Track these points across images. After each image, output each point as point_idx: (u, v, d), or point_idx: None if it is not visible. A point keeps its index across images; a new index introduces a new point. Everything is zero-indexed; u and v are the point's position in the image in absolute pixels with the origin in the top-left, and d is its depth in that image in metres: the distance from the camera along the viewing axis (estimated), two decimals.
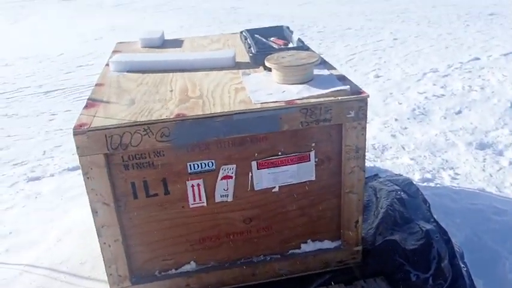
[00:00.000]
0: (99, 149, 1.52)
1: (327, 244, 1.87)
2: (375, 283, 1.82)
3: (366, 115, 1.65)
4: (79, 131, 1.49)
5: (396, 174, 2.70)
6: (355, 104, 1.62)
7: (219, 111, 1.56)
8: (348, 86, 1.66)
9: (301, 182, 1.74)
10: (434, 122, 3.63)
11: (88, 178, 1.56)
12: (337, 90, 1.64)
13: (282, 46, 2.14)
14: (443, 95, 4.15)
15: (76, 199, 2.85)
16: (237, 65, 2.05)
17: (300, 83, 1.74)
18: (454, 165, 3.00)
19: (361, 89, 1.67)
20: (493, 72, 4.65)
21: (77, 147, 1.51)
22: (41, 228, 2.53)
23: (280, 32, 2.36)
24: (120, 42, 2.61)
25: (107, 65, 2.15)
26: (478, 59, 5.17)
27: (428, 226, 2.06)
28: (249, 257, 1.83)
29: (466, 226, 2.25)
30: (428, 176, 2.86)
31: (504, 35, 6.16)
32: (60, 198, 2.88)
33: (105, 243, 1.66)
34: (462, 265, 1.84)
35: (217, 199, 1.71)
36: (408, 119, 3.71)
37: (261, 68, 1.97)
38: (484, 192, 2.63)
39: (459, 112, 3.79)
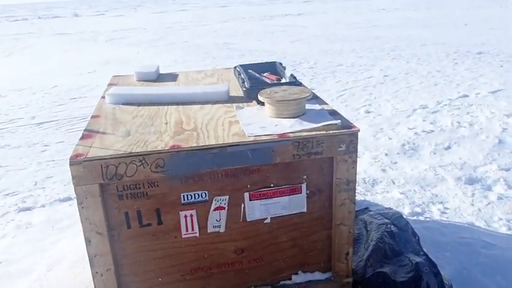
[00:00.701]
0: (94, 179, 1.55)
1: (317, 275, 1.88)
2: None
3: (357, 148, 1.69)
4: (75, 161, 1.52)
5: (386, 208, 2.73)
6: (346, 138, 1.67)
7: (213, 143, 1.60)
8: (339, 120, 1.71)
9: (293, 214, 1.77)
10: (423, 157, 3.70)
11: (83, 208, 1.58)
12: (329, 124, 1.69)
13: (275, 81, 2.21)
14: (432, 131, 4.23)
15: (67, 229, 2.85)
16: (230, 99, 2.10)
17: (293, 117, 1.79)
18: (444, 199, 3.04)
19: (351, 123, 1.72)
20: (482, 109, 4.76)
21: (73, 177, 1.54)
22: (31, 258, 2.52)
23: (273, 67, 2.43)
24: (116, 76, 2.67)
25: (103, 97, 2.20)
26: (466, 96, 5.30)
27: (417, 259, 2.08)
28: None
29: (455, 259, 2.27)
30: (418, 210, 2.89)
31: (491, 73, 6.32)
32: (51, 228, 2.87)
33: (97, 272, 1.66)
34: None
35: (210, 229, 1.73)
36: (398, 154, 3.77)
37: (254, 102, 2.03)
38: (473, 227, 2.66)
39: (448, 148, 3.86)
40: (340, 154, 1.69)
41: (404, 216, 2.50)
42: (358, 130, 1.68)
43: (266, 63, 2.49)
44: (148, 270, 1.74)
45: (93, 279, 1.67)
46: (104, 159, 1.54)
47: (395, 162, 3.61)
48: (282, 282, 1.86)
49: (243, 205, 1.72)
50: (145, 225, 1.68)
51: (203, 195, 1.68)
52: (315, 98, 2.02)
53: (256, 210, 1.74)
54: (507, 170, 3.39)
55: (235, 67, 2.47)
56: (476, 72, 6.50)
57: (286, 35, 10.83)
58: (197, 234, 1.73)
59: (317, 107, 1.93)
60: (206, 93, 2.09)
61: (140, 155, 1.55)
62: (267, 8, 16.79)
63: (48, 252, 2.57)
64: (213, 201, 1.69)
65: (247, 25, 12.92)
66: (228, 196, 1.70)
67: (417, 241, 2.26)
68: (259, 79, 2.24)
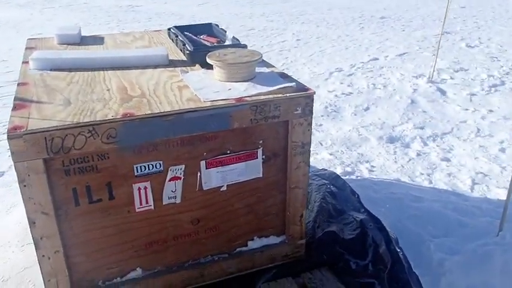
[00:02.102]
0: (37, 154, 1.39)
1: (272, 240, 1.88)
2: (320, 274, 1.87)
3: (312, 111, 1.68)
4: (14, 134, 1.35)
5: (321, 169, 2.79)
6: (302, 101, 1.65)
7: (168, 109, 1.50)
8: (294, 83, 1.68)
9: (249, 180, 1.74)
10: (346, 119, 3.83)
11: (25, 186, 1.41)
12: (284, 87, 1.66)
13: (216, 44, 2.12)
14: (351, 93, 4.38)
15: None
16: (171, 63, 1.98)
17: (244, 81, 1.73)
18: (369, 158, 3.18)
19: (305, 85, 1.70)
20: (392, 72, 5.01)
21: (12, 153, 1.36)
22: None
23: (209, 29, 2.33)
24: (32, 39, 2.41)
25: (25, 62, 1.97)
26: (376, 59, 5.54)
27: (361, 216, 2.16)
28: (197, 259, 1.79)
29: (390, 214, 2.39)
30: (349, 169, 3.00)
31: (396, 37, 6.66)
32: None
33: (43, 255, 1.52)
34: (398, 250, 1.95)
35: (165, 201, 1.65)
36: (322, 116, 3.86)
37: (197, 66, 1.93)
38: (400, 182, 2.83)
39: (367, 109, 4.03)
40: (296, 117, 1.67)
41: (341, 176, 2.58)
42: (314, 92, 1.67)
43: (201, 24, 2.38)
44: (100, 248, 1.62)
45: (39, 263, 1.53)
46: (48, 131, 1.37)
47: (321, 125, 3.70)
48: (238, 249, 1.84)
49: (199, 174, 1.65)
50: (96, 201, 1.55)
51: (157, 165, 1.58)
52: (262, 61, 1.96)
53: (213, 178, 1.68)
54: (421, 128, 3.62)
55: (169, 29, 2.33)
56: (381, 36, 6.81)
57: None
58: (152, 207, 1.63)
59: (266, 70, 1.88)
60: (146, 56, 1.95)
61: (90, 125, 1.41)
62: None
63: None
64: (169, 172, 1.60)
65: None
66: (184, 165, 1.61)
67: (357, 199, 2.35)
68: (199, 42, 2.14)
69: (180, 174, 1.62)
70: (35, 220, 1.46)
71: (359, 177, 2.90)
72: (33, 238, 1.49)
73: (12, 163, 1.39)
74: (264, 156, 1.72)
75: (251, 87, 1.68)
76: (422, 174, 2.97)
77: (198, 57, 1.90)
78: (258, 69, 1.85)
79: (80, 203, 1.53)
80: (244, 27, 7.40)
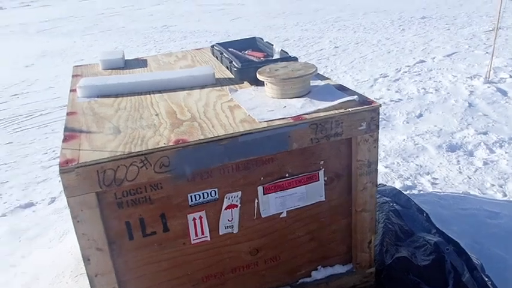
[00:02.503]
0: (90, 188, 1.30)
1: (338, 269, 1.73)
2: None
3: (378, 126, 1.54)
4: (66, 168, 1.27)
5: (379, 185, 2.62)
6: (367, 115, 1.51)
7: (222, 133, 1.39)
8: (356, 96, 1.54)
9: (310, 205, 1.60)
10: (398, 127, 3.63)
11: (78, 222, 1.33)
12: (346, 101, 1.52)
13: (263, 59, 2.00)
14: (400, 100, 4.18)
15: (35, 240, 2.57)
16: (218, 82, 1.88)
17: (299, 97, 1.61)
18: (430, 169, 2.98)
19: (369, 98, 1.56)
20: (443, 74, 4.77)
21: (65, 188, 1.28)
22: (2, 276, 2.22)
23: (254, 43, 2.23)
24: (77, 66, 2.37)
25: (72, 90, 1.92)
26: (423, 61, 5.31)
27: (434, 238, 1.97)
28: None
29: (464, 233, 2.18)
30: (408, 183, 2.81)
31: (441, 37, 6.39)
32: (18, 240, 2.57)
33: None
34: (486, 278, 1.75)
35: (222, 231, 1.53)
36: None
37: (246, 83, 1.83)
38: (469, 196, 2.61)
39: (420, 115, 3.82)
40: (361, 133, 1.53)
41: (403, 192, 2.40)
42: (380, 105, 1.52)
43: (245, 39, 2.28)
44: (156, 283, 1.52)
45: None
46: (100, 163, 1.29)
47: None
48: (301, 281, 1.70)
49: (256, 200, 1.53)
50: (150, 234, 1.45)
51: (213, 193, 1.47)
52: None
53: (272, 204, 1.55)
54: (485, 133, 3.38)
55: (212, 46, 2.24)
56: (425, 37, 6.55)
57: (225, 13, 10.53)
58: (208, 238, 1.52)
59: (320, 82, 1.75)
60: (192, 77, 1.85)
61: (141, 154, 1.32)
62: None
63: (20, 267, 2.28)
64: (225, 199, 1.49)
65: (182, 6, 12.46)
66: (240, 192, 1.50)
67: (426, 218, 2.16)
68: (245, 57, 2.03)
69: (237, 201, 1.51)
70: (90, 257, 1.38)
71: (422, 192, 2.70)
72: (88, 276, 1.40)
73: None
74: (326, 178, 1.59)
75: (308, 103, 1.55)
76: (493, 185, 2.73)
77: (246, 73, 1.80)
78: (312, 83, 1.72)
79: (133, 237, 1.44)
80: (279, 38, 7.29)
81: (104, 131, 1.48)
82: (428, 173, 2.92)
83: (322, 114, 1.47)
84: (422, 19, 7.75)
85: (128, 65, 2.29)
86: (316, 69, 1.66)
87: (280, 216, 1.58)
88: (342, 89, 1.67)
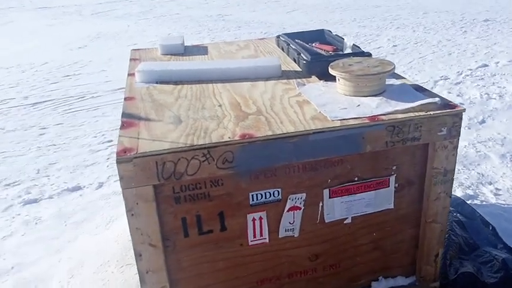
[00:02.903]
0: (147, 180, 1.23)
1: (400, 281, 1.61)
2: None
3: (460, 132, 1.40)
4: (124, 158, 1.20)
5: None
6: (449, 120, 1.37)
7: (291, 130, 1.29)
8: (438, 98, 1.40)
9: (377, 212, 1.48)
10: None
11: (133, 215, 1.26)
12: (426, 104, 1.39)
13: (332, 53, 1.88)
14: (461, 104, 3.95)
15: (82, 225, 2.54)
16: (284, 75, 1.78)
17: (374, 95, 1.48)
18: (492, 179, 2.78)
19: (451, 101, 1.42)
20: (507, 79, 4.50)
21: (121, 178, 1.21)
22: (47, 261, 2.20)
23: (321, 36, 2.11)
24: (135, 49, 2.31)
25: (131, 74, 1.86)
26: (486, 65, 5.03)
27: (502, 254, 1.82)
28: None
29: None
30: (470, 192, 2.63)
31: (505, 41, 6.05)
32: (64, 224, 2.56)
33: None
34: None
35: (282, 234, 1.43)
36: None
37: (314, 78, 1.71)
38: None
39: (483, 122, 3.60)
40: (440, 139, 1.39)
41: (467, 202, 2.24)
42: (464, 110, 1.38)
43: (312, 31, 2.17)
44: (209, 284, 1.44)
45: None
46: (160, 154, 1.21)
47: None
48: None
49: (321, 204, 1.42)
50: (206, 232, 1.37)
51: (275, 193, 1.37)
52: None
53: (336, 209, 1.44)
54: None
55: (277, 36, 2.14)
56: (488, 40, 6.22)
57: (281, 5, 10.37)
58: (266, 241, 1.43)
59: (396, 82, 1.62)
60: (257, 67, 1.76)
61: (204, 148, 1.23)
62: None
63: (65, 253, 2.26)
64: (288, 201, 1.39)
65: None
66: (304, 194, 1.39)
67: (492, 231, 2.01)
68: (313, 50, 1.91)
69: (300, 204, 1.40)
70: (142, 252, 1.31)
71: (484, 203, 2.52)
72: (138, 271, 1.34)
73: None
74: (396, 185, 1.46)
75: (384, 102, 1.42)
76: None
77: (315, 67, 1.69)
78: (387, 81, 1.59)
79: (189, 234, 1.36)
80: (336, 33, 7.09)
81: (164, 120, 1.41)
82: (490, 183, 2.72)
83: (400, 116, 1.35)
84: (485, 22, 7.37)
85: (187, 51, 2.22)
86: (395, 67, 1.52)
87: (344, 222, 1.47)
88: (420, 90, 1.53)
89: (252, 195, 1.35)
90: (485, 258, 1.83)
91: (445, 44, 6.17)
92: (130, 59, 2.11)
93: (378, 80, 1.48)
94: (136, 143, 1.25)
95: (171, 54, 2.17)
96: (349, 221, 1.47)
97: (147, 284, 1.35)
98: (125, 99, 1.60)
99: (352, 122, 1.32)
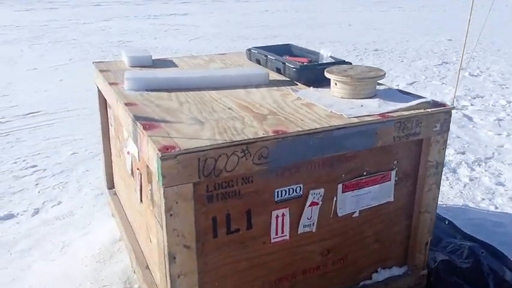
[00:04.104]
0: (188, 177, 1.21)
1: (395, 271, 1.73)
2: None
3: (449, 128, 1.57)
4: (168, 154, 1.17)
5: None
6: (441, 116, 1.54)
7: (317, 126, 1.36)
8: (430, 98, 1.57)
9: (380, 205, 1.60)
10: None
11: (171, 215, 1.23)
12: (422, 103, 1.55)
13: (307, 63, 2.00)
14: None
15: (31, 253, 2.34)
16: (270, 83, 1.85)
17: (368, 98, 1.62)
18: None
19: (440, 101, 1.60)
20: None
21: (163, 176, 1.18)
22: None
23: (289, 50, 2.22)
24: (99, 62, 2.24)
25: (113, 83, 1.80)
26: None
27: (466, 243, 2.03)
28: None
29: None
30: None
31: (398, 67, 6.72)
32: (9, 253, 2.33)
33: None
34: None
35: (300, 230, 1.48)
36: None
37: (300, 85, 1.81)
38: (469, 208, 2.71)
39: None
40: (435, 134, 1.55)
41: None
42: (453, 107, 1.56)
43: (280, 45, 2.28)
44: (234, 286, 1.43)
45: None
46: (203, 151, 1.21)
47: None
48: (362, 283, 1.67)
49: (335, 198, 1.50)
50: (233, 231, 1.37)
51: (297, 189, 1.42)
52: None
53: (348, 203, 1.53)
54: (463, 153, 3.53)
55: (248, 50, 2.21)
56: (383, 66, 6.86)
57: (182, 33, 10.45)
58: (287, 237, 1.46)
59: (380, 87, 1.77)
60: (249, 75, 1.81)
61: (244, 143, 1.25)
62: (146, 8, 16.11)
63: (23, 280, 2.06)
64: (309, 196, 1.44)
65: (134, 24, 12.21)
66: (323, 189, 1.46)
67: (450, 225, 2.23)
68: (291, 61, 2.01)
69: (318, 199, 1.47)
70: (176, 255, 1.27)
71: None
72: (170, 276, 1.29)
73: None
74: (396, 178, 1.59)
75: (383, 103, 1.56)
76: (483, 199, 2.88)
77: (305, 74, 1.79)
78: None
79: (218, 234, 1.35)
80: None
81: (184, 121, 1.40)
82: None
83: (405, 113, 1.49)
84: (376, 51, 8.12)
85: (155, 63, 2.20)
86: (385, 73, 1.67)
87: (353, 215, 1.56)
88: (404, 92, 1.70)
89: (277, 191, 1.39)
90: (452, 248, 2.03)
91: None
92: (100, 71, 2.04)
93: (373, 83, 1.62)
94: (172, 141, 1.24)
95: (140, 66, 2.13)
96: (357, 214, 1.56)
97: None
98: (126, 104, 1.55)
99: (367, 119, 1.43)
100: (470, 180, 3.14)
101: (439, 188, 1.65)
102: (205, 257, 1.35)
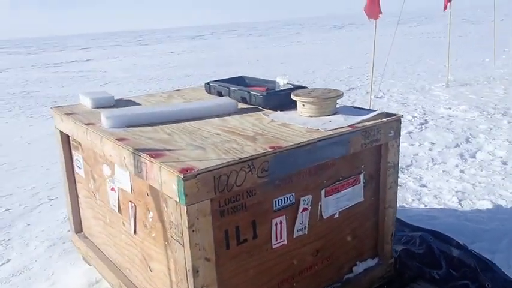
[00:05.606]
0: (207, 194, 1.36)
1: (370, 262, 1.96)
2: (420, 286, 1.98)
3: (400, 133, 1.86)
4: (189, 175, 1.31)
5: None
6: (394, 124, 1.82)
7: (304, 140, 1.57)
8: (383, 111, 1.86)
9: (354, 205, 1.83)
10: None
11: (193, 231, 1.36)
12: (377, 114, 1.83)
13: (271, 90, 2.20)
14: None
15: None
16: (238, 111, 2.03)
17: (332, 115, 1.87)
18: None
19: (391, 112, 1.89)
20: None
21: (185, 195, 1.32)
22: None
23: (243, 81, 2.43)
24: (57, 107, 2.28)
25: (89, 124, 1.88)
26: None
27: (416, 233, 2.34)
28: None
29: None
30: None
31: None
32: None
33: None
34: (475, 253, 2.15)
35: (295, 234, 1.66)
36: None
37: (266, 110, 2.01)
38: (404, 208, 3.08)
39: None
40: (391, 139, 1.83)
41: None
42: (402, 116, 1.86)
43: (234, 78, 2.47)
44: None
45: None
46: (217, 169, 1.36)
47: None
48: (346, 277, 1.88)
49: (319, 203, 1.71)
50: (242, 242, 1.52)
51: (291, 197, 1.62)
52: None
53: (330, 205, 1.74)
54: None
55: (207, 84, 2.38)
56: None
57: (90, 79, 10.30)
58: (285, 242, 1.64)
59: (337, 105, 2.04)
60: (220, 105, 1.99)
61: (249, 159, 1.43)
62: (40, 56, 15.63)
63: None
64: (300, 203, 1.64)
65: (33, 73, 11.78)
66: (311, 195, 1.67)
67: (397, 222, 2.52)
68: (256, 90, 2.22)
69: (307, 204, 1.67)
70: (199, 268, 1.40)
71: None
72: None
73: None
74: (364, 180, 1.84)
75: (348, 117, 1.82)
76: (414, 200, 3.26)
77: (272, 100, 2.00)
78: None
79: (229, 246, 1.49)
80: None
81: (185, 148, 1.54)
82: None
83: (368, 123, 1.75)
84: (288, 83, 8.61)
85: (117, 104, 2.29)
86: (343, 93, 1.94)
87: (334, 217, 1.78)
88: (358, 108, 1.98)
89: (275, 201, 1.57)
90: (405, 239, 2.32)
91: None
92: (67, 114, 2.09)
93: (334, 102, 1.88)
94: (185, 164, 1.37)
95: (103, 107, 2.21)
96: (337, 215, 1.78)
97: None
98: (118, 139, 1.65)
99: (340, 130, 1.67)
100: (399, 185, 3.52)
101: (397, 185, 1.93)
102: (221, 268, 1.48)
